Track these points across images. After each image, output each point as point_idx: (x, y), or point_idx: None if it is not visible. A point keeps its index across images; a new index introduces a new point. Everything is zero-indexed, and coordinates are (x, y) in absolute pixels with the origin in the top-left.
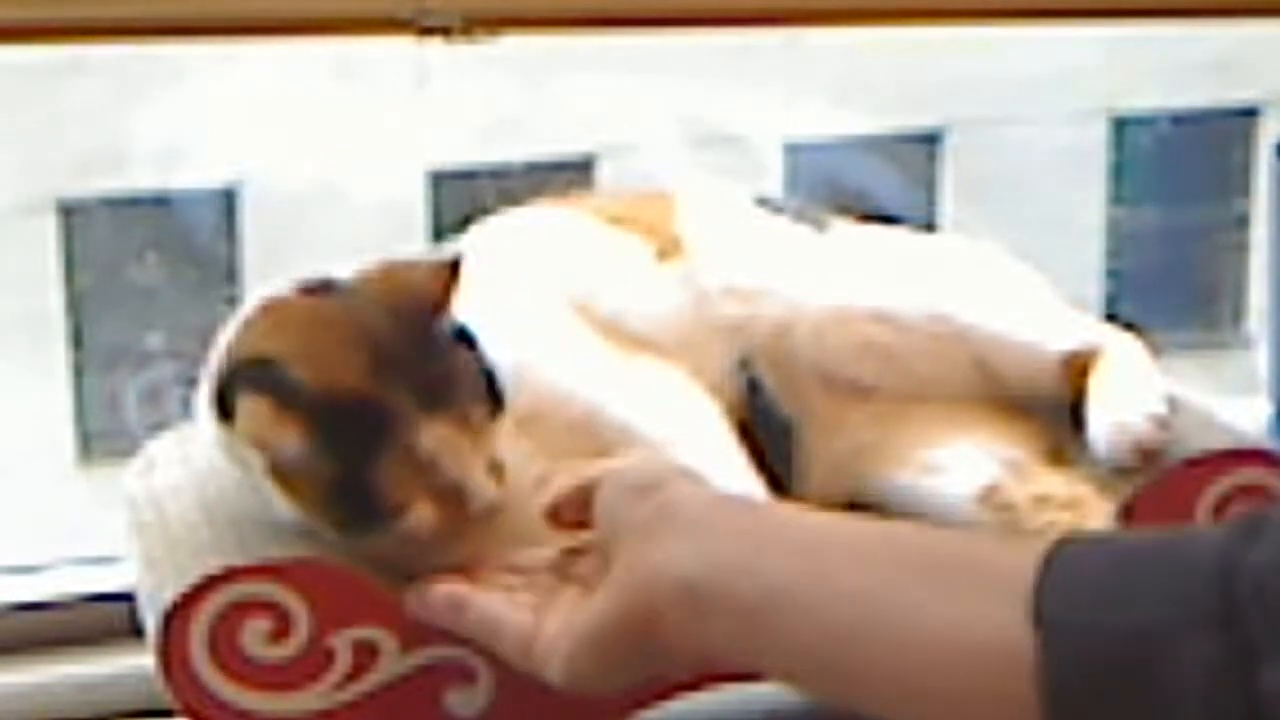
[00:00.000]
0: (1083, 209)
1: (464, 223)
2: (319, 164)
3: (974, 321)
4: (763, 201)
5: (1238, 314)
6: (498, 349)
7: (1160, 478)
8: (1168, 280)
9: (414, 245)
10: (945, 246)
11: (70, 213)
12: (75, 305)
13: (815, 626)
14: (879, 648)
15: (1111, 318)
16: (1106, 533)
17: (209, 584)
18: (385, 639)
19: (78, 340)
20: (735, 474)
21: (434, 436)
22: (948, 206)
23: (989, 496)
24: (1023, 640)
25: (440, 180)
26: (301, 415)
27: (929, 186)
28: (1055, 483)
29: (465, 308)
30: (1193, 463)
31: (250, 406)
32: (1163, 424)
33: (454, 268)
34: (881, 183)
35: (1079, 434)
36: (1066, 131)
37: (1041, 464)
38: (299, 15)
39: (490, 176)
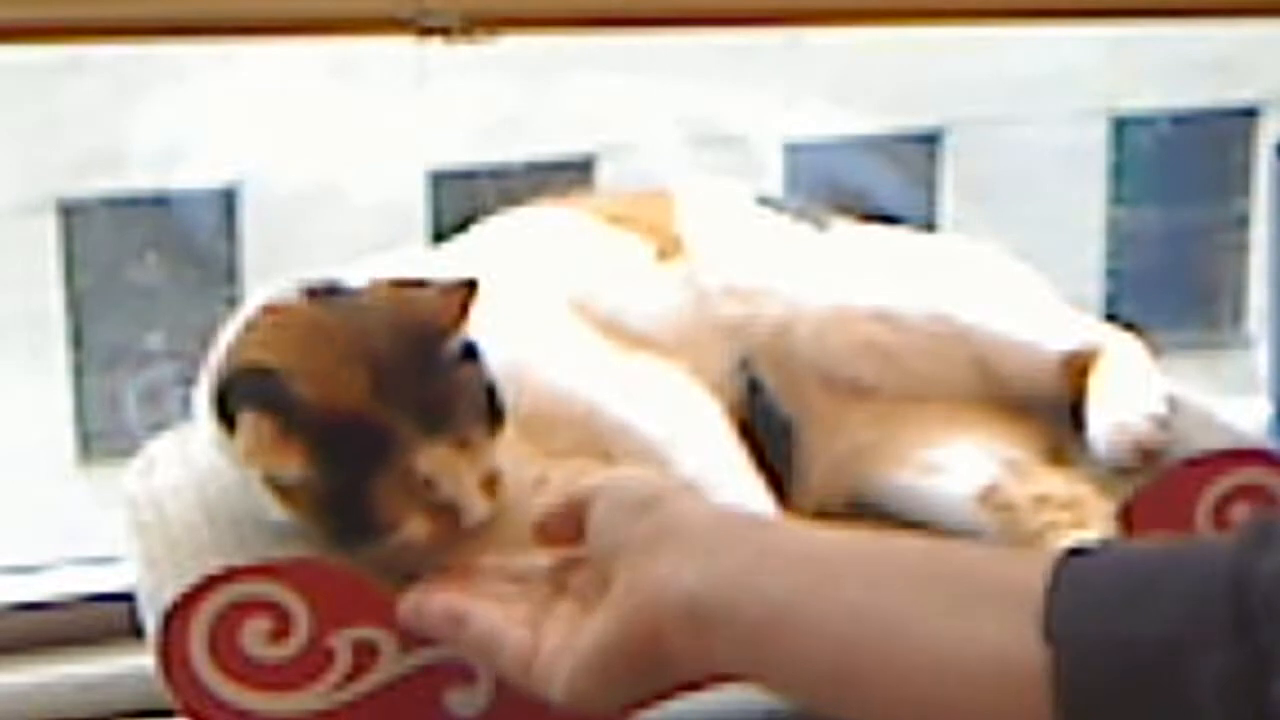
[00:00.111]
0: (1083, 209)
1: (464, 223)
2: (319, 164)
3: (974, 321)
4: (763, 201)
5: (1238, 314)
6: (498, 349)
7: (1160, 478)
8: (1168, 280)
9: (414, 245)
10: (945, 246)
11: (70, 213)
12: (75, 305)
13: (821, 643)
14: (887, 664)
15: (1111, 318)
16: (1114, 544)
17: (209, 584)
18: (385, 639)
19: (78, 340)
20: (736, 473)
21: (432, 459)
22: (948, 206)
23: (989, 496)
24: (1035, 656)
25: (440, 180)
26: (303, 439)
27: (929, 186)
28: (1055, 483)
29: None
30: (1193, 463)
31: (252, 425)
32: (1163, 424)
33: (467, 293)
34: (881, 183)
35: (1079, 434)
36: (1066, 131)
37: (1041, 464)
38: (299, 15)
39: (490, 176)
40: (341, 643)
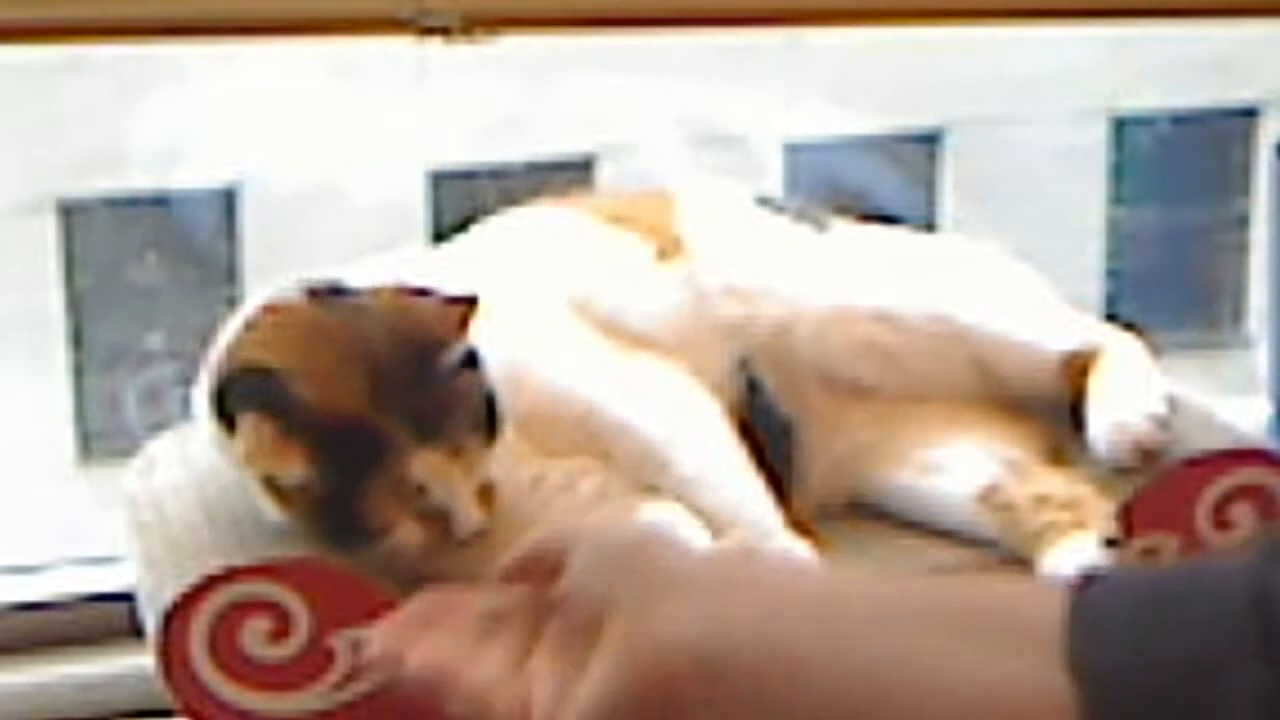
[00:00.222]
0: (1083, 209)
1: (464, 223)
2: (319, 164)
3: (974, 321)
4: (763, 201)
5: (1238, 314)
6: (497, 348)
7: (1160, 478)
8: (1168, 280)
9: (414, 245)
10: (945, 246)
11: (70, 213)
12: (75, 305)
13: (841, 692)
14: (910, 712)
15: (1111, 318)
16: (1126, 568)
17: (209, 584)
18: None
19: (78, 340)
20: (735, 473)
21: (425, 466)
22: (948, 206)
23: (989, 496)
24: (1062, 691)
25: (440, 180)
26: (303, 441)
27: (929, 186)
28: (1055, 483)
29: None
30: (1193, 463)
31: (253, 427)
32: (1163, 424)
33: (468, 307)
34: (881, 183)
35: (1079, 434)
36: (1066, 131)
37: (1041, 464)
38: (299, 15)
39: (490, 176)
40: (342, 643)
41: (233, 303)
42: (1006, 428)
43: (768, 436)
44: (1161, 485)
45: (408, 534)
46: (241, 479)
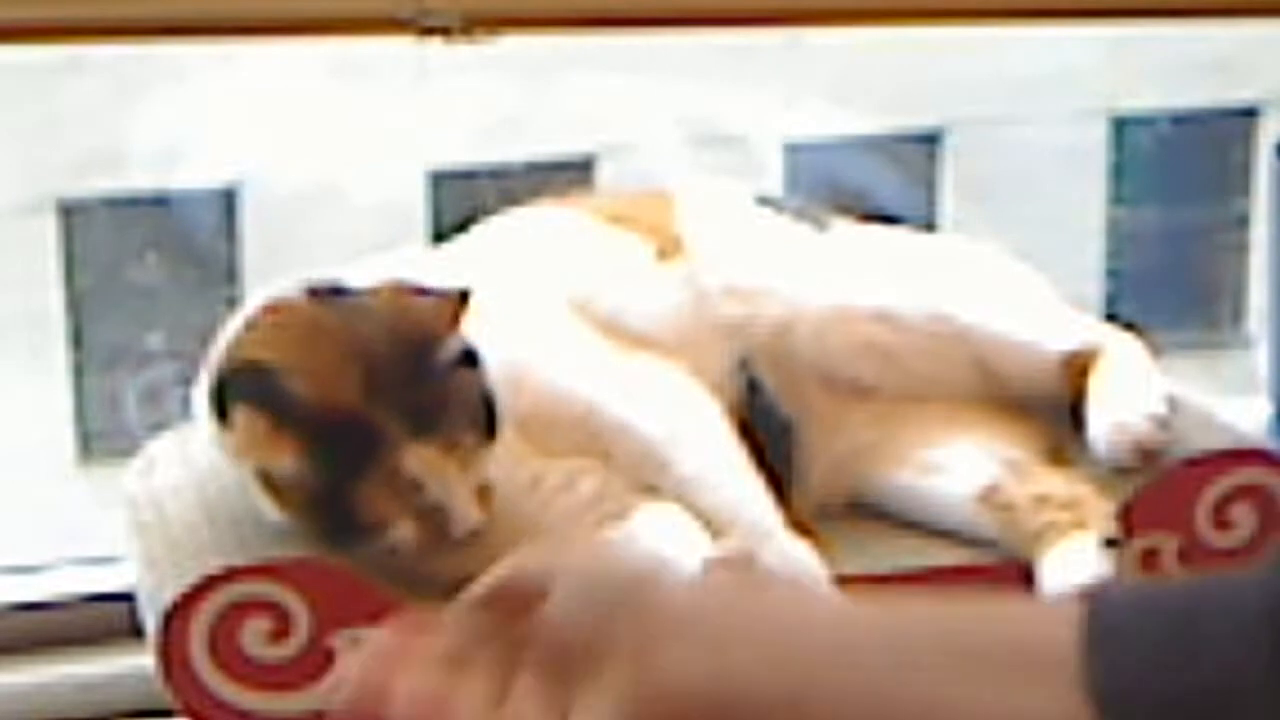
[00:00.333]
0: (1083, 209)
1: (464, 223)
2: (319, 164)
3: (974, 321)
4: (764, 201)
5: (1238, 314)
6: (497, 348)
7: (1160, 478)
8: (1168, 280)
9: (414, 245)
10: (945, 246)
11: (70, 213)
12: (75, 305)
13: None
14: None
15: (1111, 318)
16: (1136, 587)
17: (209, 584)
18: None
19: (78, 340)
20: (735, 473)
21: (419, 460)
22: (948, 206)
23: (989, 496)
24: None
25: (440, 180)
26: (296, 434)
27: (929, 186)
28: (1055, 483)
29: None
30: (1193, 463)
31: (247, 420)
32: (1163, 424)
33: (461, 301)
34: (881, 183)
35: (1079, 434)
36: (1066, 131)
37: (1041, 464)
38: (299, 15)
39: (490, 176)
40: (342, 643)
41: (233, 303)
42: (1006, 428)
43: (768, 436)
44: (1161, 485)
45: (403, 531)
46: (241, 479)
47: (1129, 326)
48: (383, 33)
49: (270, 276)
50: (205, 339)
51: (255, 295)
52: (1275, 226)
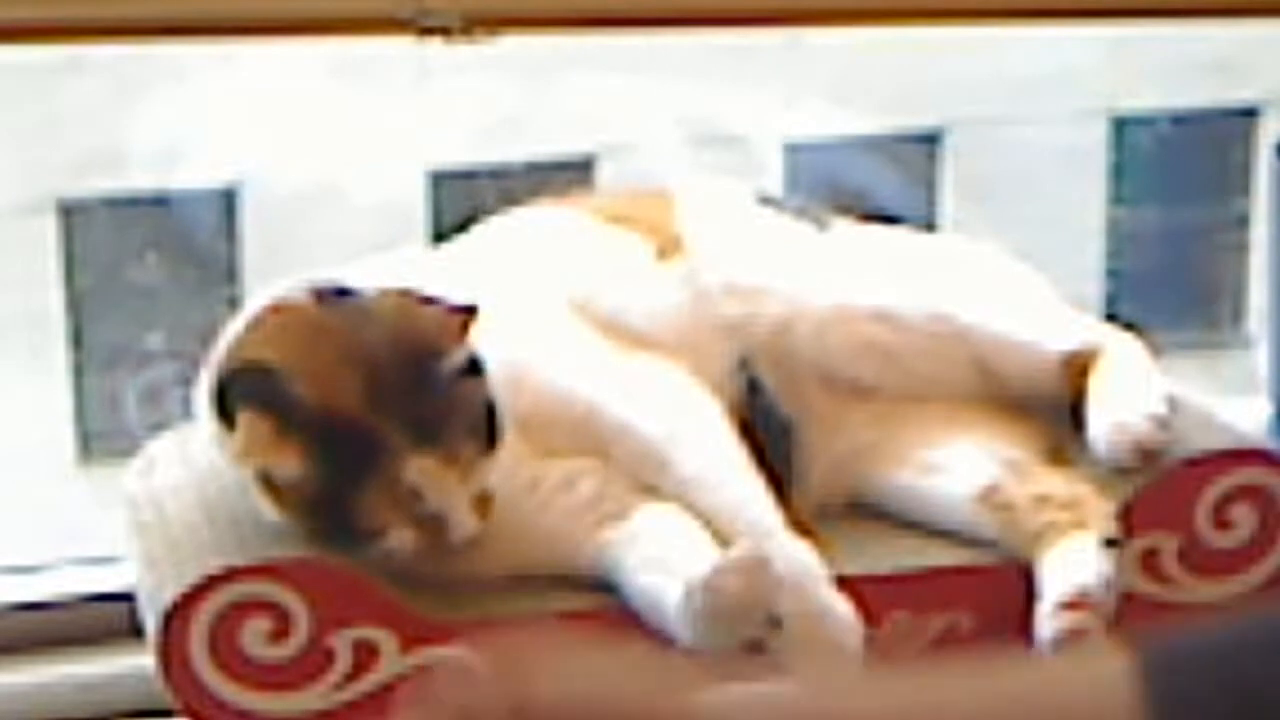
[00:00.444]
0: (1083, 209)
1: (464, 223)
2: (319, 164)
3: (974, 321)
4: (764, 200)
5: (1238, 314)
6: (498, 348)
7: (1160, 478)
8: (1168, 280)
9: (414, 245)
10: (945, 246)
11: (70, 213)
12: (75, 305)
13: None
14: None
15: (1111, 318)
16: (1186, 654)
17: (209, 584)
18: (385, 639)
19: (78, 340)
20: (735, 473)
21: (419, 470)
22: (948, 206)
23: (989, 496)
24: None
25: (440, 180)
26: (300, 438)
27: (929, 186)
28: (1055, 483)
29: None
30: (1193, 463)
31: (249, 423)
32: (1163, 424)
33: (468, 316)
34: (881, 183)
35: (1079, 434)
36: (1066, 131)
37: (1041, 464)
38: (299, 15)
39: (490, 176)
40: (341, 643)
41: (233, 303)
42: (1006, 428)
43: (768, 436)
44: (1161, 485)
45: (401, 538)
46: (241, 479)
47: (1129, 326)
48: (383, 33)
49: (270, 276)
50: (205, 339)
51: (257, 295)
52: (1275, 226)
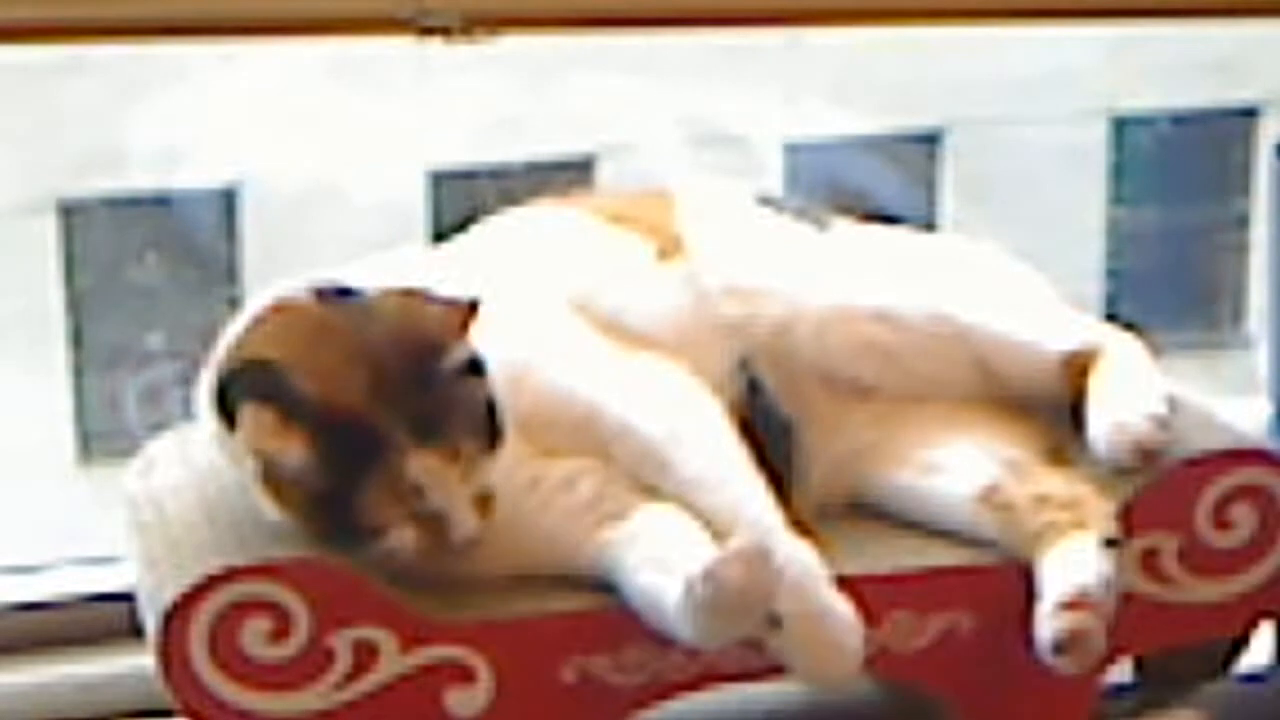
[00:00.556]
0: (1083, 209)
1: (464, 223)
2: (319, 164)
3: (974, 322)
4: (764, 201)
5: (1238, 314)
6: (498, 348)
7: (1160, 478)
8: (1168, 280)
9: (414, 245)
10: (945, 246)
11: (70, 213)
12: (75, 305)
13: None
14: None
15: (1111, 318)
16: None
17: (209, 584)
18: (385, 639)
19: (78, 340)
20: (736, 472)
21: (421, 466)
22: (948, 206)
23: (989, 496)
24: None
25: (440, 180)
26: (304, 428)
27: (929, 186)
28: (1055, 483)
29: None
30: (1193, 463)
31: (252, 414)
32: (1163, 424)
33: (469, 312)
34: (881, 183)
35: (1079, 434)
36: (1066, 131)
37: (1041, 464)
38: (299, 15)
39: (490, 176)
40: (342, 643)
41: (233, 303)
42: (1006, 428)
43: (768, 436)
44: (1161, 485)
45: (402, 536)
46: (241, 479)
47: (1129, 326)
48: (383, 33)
49: (270, 276)
50: (205, 339)
51: (258, 295)
52: (1275, 226)
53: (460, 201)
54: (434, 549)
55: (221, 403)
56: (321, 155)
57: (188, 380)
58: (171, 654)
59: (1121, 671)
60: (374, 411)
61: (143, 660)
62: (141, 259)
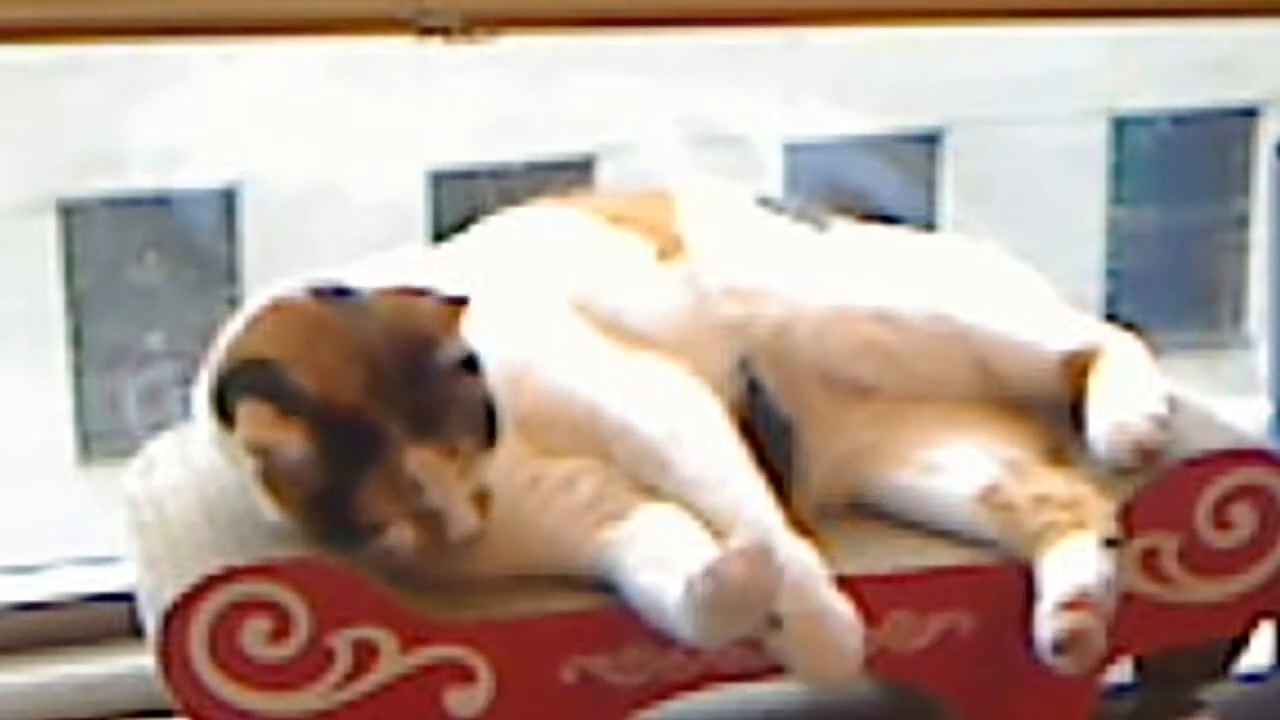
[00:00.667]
0: (1083, 209)
1: (464, 223)
2: (319, 164)
3: (974, 322)
4: (763, 201)
5: (1238, 314)
6: (498, 348)
7: (1160, 478)
8: (1168, 280)
9: (414, 245)
10: (945, 246)
11: (70, 213)
12: (75, 305)
13: None
14: None
15: (1111, 318)
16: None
17: (209, 584)
18: (385, 639)
19: (78, 340)
20: (736, 472)
21: (419, 462)
22: (948, 206)
23: (989, 496)
24: None
25: (440, 180)
26: (302, 421)
27: (929, 186)
28: (1055, 483)
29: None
30: (1193, 463)
31: (251, 410)
32: (1163, 424)
33: (460, 307)
34: (881, 183)
35: (1079, 434)
36: (1066, 131)
37: (1041, 464)
38: (299, 15)
39: (490, 176)
40: (342, 643)
41: (233, 303)
42: (1006, 428)
43: (768, 436)
44: (1161, 485)
45: (400, 534)
46: (241, 479)
47: (1129, 326)
48: (383, 33)
49: (270, 276)
50: (205, 339)
51: (256, 296)
52: (1275, 226)
53: (460, 201)
54: (432, 547)
55: (219, 403)
56: (321, 155)
57: (188, 380)
58: (171, 654)
59: (1121, 671)
60: (371, 407)
61: (143, 660)
62: (141, 259)
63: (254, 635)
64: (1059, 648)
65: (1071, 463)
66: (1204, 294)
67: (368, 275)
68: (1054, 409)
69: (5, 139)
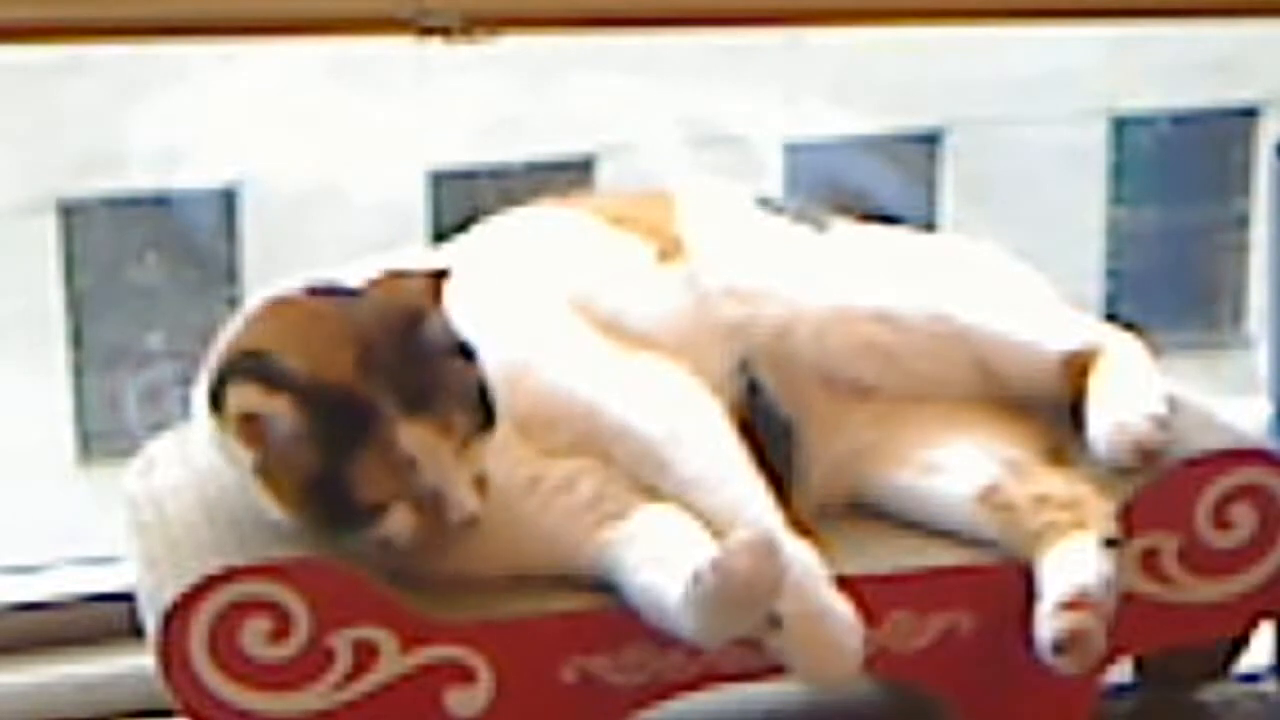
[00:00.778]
0: (1083, 209)
1: (464, 223)
2: (319, 164)
3: (974, 322)
4: (763, 202)
5: (1238, 314)
6: (498, 348)
7: (1160, 478)
8: (1168, 280)
9: (414, 245)
10: (945, 246)
11: (70, 213)
12: (75, 305)
13: None
14: None
15: (1111, 318)
16: None
17: (209, 584)
18: (385, 639)
19: (78, 340)
20: (736, 473)
21: (413, 438)
22: (948, 206)
23: (989, 496)
24: None
25: (440, 180)
26: (290, 395)
27: (929, 186)
28: (1055, 483)
29: (466, 307)
30: (1193, 463)
31: (239, 389)
32: (1163, 424)
33: (439, 278)
34: (881, 183)
35: (1079, 434)
36: (1066, 131)
37: (1041, 464)
38: (299, 15)
39: (490, 176)
40: (342, 643)
41: (233, 303)
42: (1006, 428)
43: (768, 436)
44: (1161, 485)
45: (400, 517)
46: (240, 478)
47: (1129, 326)
48: (383, 33)
49: (270, 276)
50: (205, 339)
51: (254, 296)
52: (1275, 226)
53: (460, 201)
54: (433, 533)
55: (216, 402)
56: (321, 155)
57: (188, 380)
58: (171, 654)
59: (1121, 671)
60: (361, 383)
61: (143, 660)
62: (141, 259)
63: (254, 635)
64: (1059, 648)
65: (1071, 463)
66: (1204, 294)
67: (366, 276)
68: (1054, 409)
69: (5, 139)
